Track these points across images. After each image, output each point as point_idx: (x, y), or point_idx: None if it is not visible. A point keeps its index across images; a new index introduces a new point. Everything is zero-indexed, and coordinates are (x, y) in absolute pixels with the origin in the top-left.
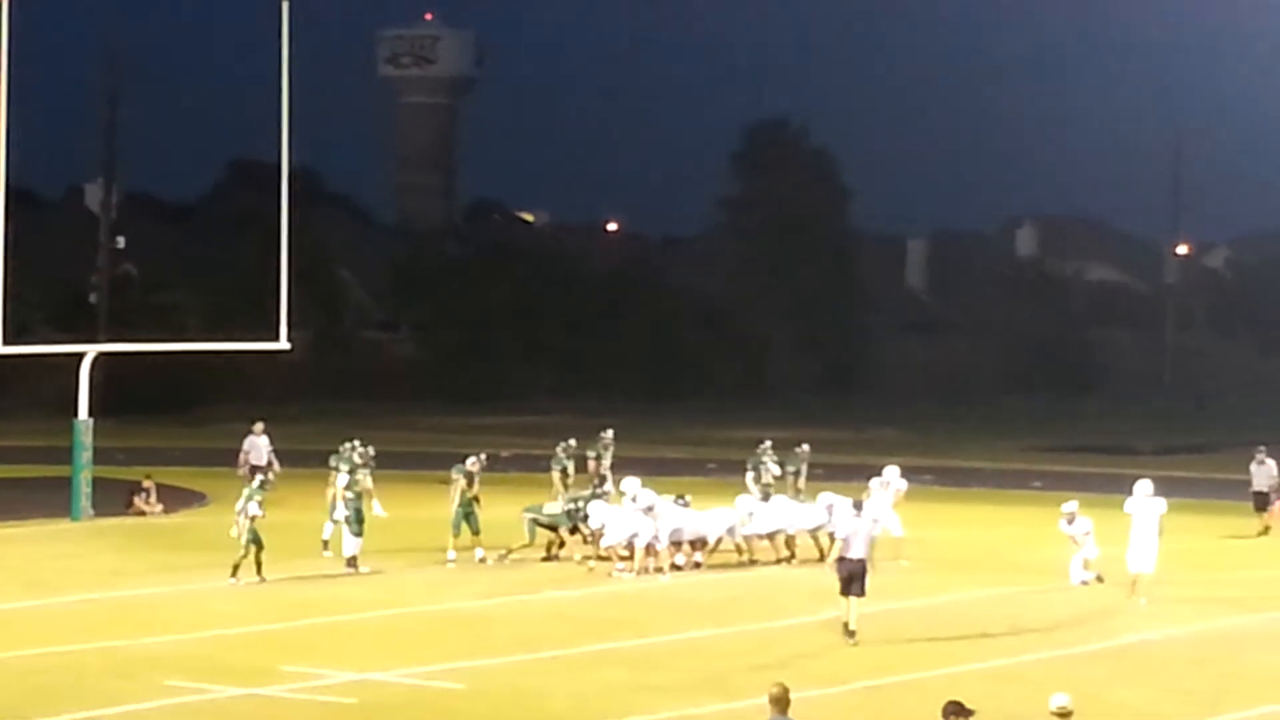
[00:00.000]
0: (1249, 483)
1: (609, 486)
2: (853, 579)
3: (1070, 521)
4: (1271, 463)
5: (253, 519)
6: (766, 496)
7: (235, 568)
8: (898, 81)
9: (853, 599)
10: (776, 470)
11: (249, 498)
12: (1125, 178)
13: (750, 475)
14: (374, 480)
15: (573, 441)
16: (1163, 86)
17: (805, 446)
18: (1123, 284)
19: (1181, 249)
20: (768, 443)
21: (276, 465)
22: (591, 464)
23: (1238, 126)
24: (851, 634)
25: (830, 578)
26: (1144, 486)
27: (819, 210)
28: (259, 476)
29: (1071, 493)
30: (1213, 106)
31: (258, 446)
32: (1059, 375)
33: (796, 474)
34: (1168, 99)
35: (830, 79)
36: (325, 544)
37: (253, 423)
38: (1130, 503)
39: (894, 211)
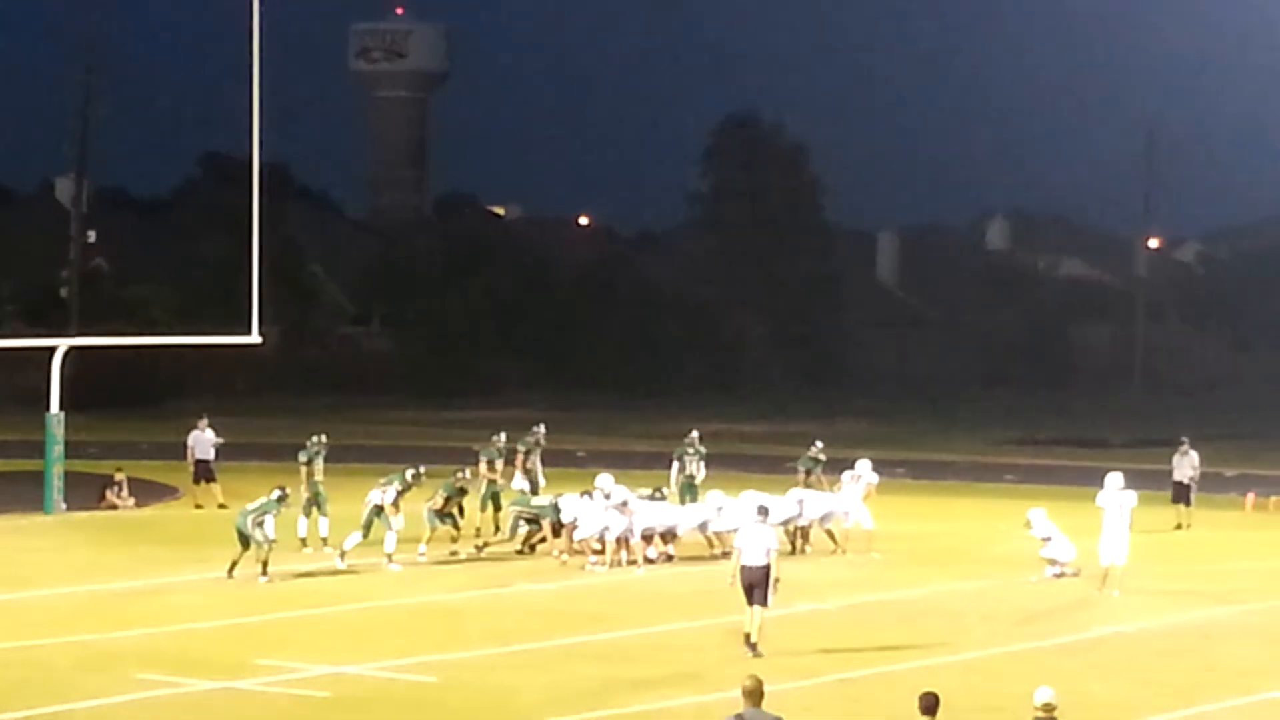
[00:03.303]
0: (1170, 473)
1: (526, 482)
2: (753, 587)
3: (1029, 527)
4: (1194, 454)
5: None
6: (684, 492)
7: (264, 565)
8: (869, 76)
9: (756, 609)
10: (692, 469)
11: (265, 510)
12: (1096, 171)
13: (675, 467)
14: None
15: (502, 436)
16: (1133, 81)
17: (819, 444)
18: (1094, 278)
19: (1153, 243)
20: (695, 434)
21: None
22: (519, 458)
23: (1208, 120)
24: (753, 646)
25: (806, 574)
26: (1115, 479)
27: (791, 204)
28: (277, 490)
29: (1043, 485)
30: (1183, 100)
31: (202, 441)
32: (1030, 369)
33: (810, 470)
34: (1138, 93)
35: (802, 73)
36: (303, 541)
37: (198, 417)
38: (1102, 496)
39: (865, 205)
